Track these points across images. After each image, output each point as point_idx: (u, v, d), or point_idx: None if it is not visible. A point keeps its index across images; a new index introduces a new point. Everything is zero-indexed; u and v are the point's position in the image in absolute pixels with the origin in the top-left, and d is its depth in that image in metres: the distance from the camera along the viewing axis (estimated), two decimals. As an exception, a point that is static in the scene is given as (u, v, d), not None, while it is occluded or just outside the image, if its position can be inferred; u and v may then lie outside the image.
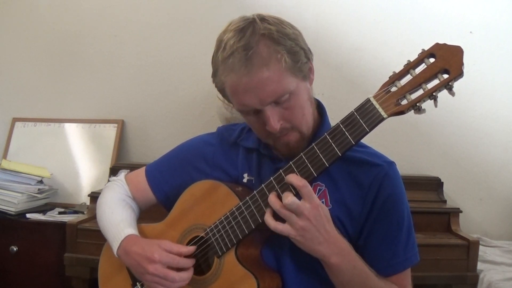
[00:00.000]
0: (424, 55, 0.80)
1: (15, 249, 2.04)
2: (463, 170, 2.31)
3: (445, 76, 0.78)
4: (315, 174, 0.86)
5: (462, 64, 0.77)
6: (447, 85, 0.78)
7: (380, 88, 0.83)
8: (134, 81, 2.49)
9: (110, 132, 2.44)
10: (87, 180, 2.39)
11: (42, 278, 2.04)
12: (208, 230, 0.98)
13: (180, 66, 2.44)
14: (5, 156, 2.46)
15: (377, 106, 0.81)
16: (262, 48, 0.86)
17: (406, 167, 2.29)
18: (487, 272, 1.81)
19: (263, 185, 0.91)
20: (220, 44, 0.90)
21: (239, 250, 0.95)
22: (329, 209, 0.90)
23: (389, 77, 0.83)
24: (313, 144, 0.87)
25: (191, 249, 0.99)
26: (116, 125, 2.45)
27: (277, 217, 0.87)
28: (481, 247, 1.90)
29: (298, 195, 0.86)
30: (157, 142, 2.45)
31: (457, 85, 0.78)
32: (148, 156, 2.38)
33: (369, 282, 0.92)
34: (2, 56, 2.61)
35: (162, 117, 2.47)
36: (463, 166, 2.31)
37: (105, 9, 2.50)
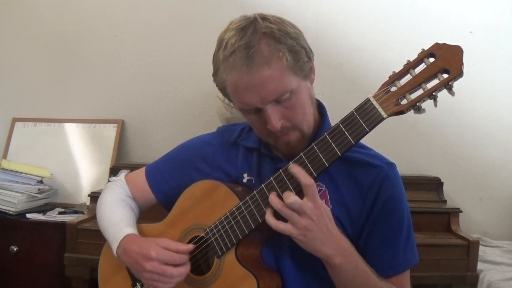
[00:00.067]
0: (424, 55, 0.80)
1: (15, 249, 2.04)
2: (463, 170, 2.31)
3: (445, 76, 0.78)
4: (315, 174, 0.86)
5: (462, 64, 0.77)
6: (447, 85, 0.78)
7: (380, 88, 0.83)
8: (134, 81, 2.49)
9: (110, 132, 2.44)
10: (87, 180, 2.39)
11: (42, 278, 2.04)
12: (208, 230, 0.98)
13: (180, 66, 2.44)
14: (5, 156, 2.46)
15: (377, 106, 0.81)
16: (263, 47, 0.86)
17: (406, 167, 2.29)
18: (487, 272, 1.81)
19: (263, 185, 0.91)
20: (221, 43, 0.90)
21: (239, 250, 0.95)
22: None
23: (389, 77, 0.83)
24: (313, 144, 0.87)
25: (189, 247, 0.99)
26: (116, 125, 2.45)
27: (277, 217, 0.87)
28: (481, 247, 1.90)
29: (297, 195, 0.85)
30: (157, 142, 2.45)
31: (457, 85, 0.78)
32: (148, 156, 2.38)
33: (370, 282, 0.92)
34: (2, 56, 2.61)
35: (162, 117, 2.47)
36: (463, 166, 2.31)
37: (105, 9, 2.50)
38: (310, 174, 0.86)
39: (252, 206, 0.92)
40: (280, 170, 0.89)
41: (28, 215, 2.10)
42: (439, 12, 2.29)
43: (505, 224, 2.29)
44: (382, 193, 0.95)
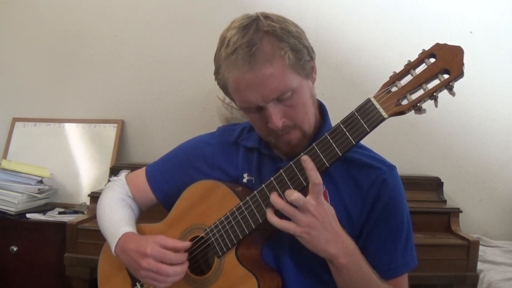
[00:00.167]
0: (425, 55, 0.80)
1: (15, 249, 2.04)
2: (463, 170, 2.31)
3: (446, 76, 0.78)
4: (315, 174, 0.86)
5: (463, 64, 0.77)
6: (448, 85, 0.78)
7: (381, 88, 0.83)
8: (134, 81, 2.49)
9: (110, 132, 2.44)
10: (87, 180, 2.39)
11: (42, 278, 2.04)
12: (208, 230, 0.98)
13: (180, 66, 2.44)
14: (5, 156, 2.46)
15: (378, 106, 0.81)
16: (265, 45, 0.86)
17: (406, 167, 2.29)
18: (487, 272, 1.81)
19: (263, 185, 0.91)
20: (223, 41, 0.90)
21: (239, 250, 0.95)
22: None
23: (390, 77, 0.83)
24: (313, 144, 0.87)
25: (186, 244, 0.99)
26: (116, 125, 2.45)
27: (279, 217, 0.87)
28: (481, 247, 1.90)
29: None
30: (157, 142, 2.45)
31: (457, 85, 0.79)
32: (148, 156, 2.38)
33: (372, 284, 0.91)
34: (2, 56, 2.61)
35: (162, 117, 2.47)
36: (463, 166, 2.31)
37: (105, 9, 2.50)
38: (311, 174, 0.85)
39: (253, 206, 0.92)
40: (281, 170, 0.89)
41: (28, 215, 2.10)
42: (439, 12, 2.29)
43: (505, 224, 2.29)
44: (382, 196, 0.95)
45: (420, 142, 2.33)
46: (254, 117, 0.95)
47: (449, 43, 0.79)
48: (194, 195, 1.04)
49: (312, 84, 0.96)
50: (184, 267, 0.97)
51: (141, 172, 1.18)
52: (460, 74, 0.77)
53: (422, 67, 0.80)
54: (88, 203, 2.15)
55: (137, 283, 1.07)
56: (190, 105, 2.44)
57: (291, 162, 0.88)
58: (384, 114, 0.81)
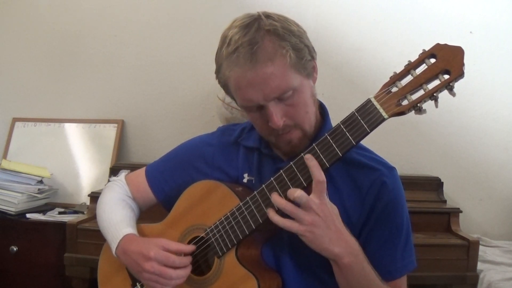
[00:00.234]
0: (425, 56, 0.80)
1: (15, 249, 2.04)
2: (463, 170, 2.31)
3: (446, 76, 0.78)
4: (315, 174, 0.86)
5: (463, 64, 0.77)
6: (448, 86, 0.78)
7: (381, 89, 0.83)
8: (134, 81, 2.49)
9: (110, 132, 2.44)
10: (87, 180, 2.39)
11: (42, 278, 2.04)
12: (208, 230, 0.98)
13: (180, 66, 2.44)
14: (5, 156, 2.46)
15: (378, 106, 0.81)
16: (267, 44, 0.86)
17: (406, 167, 2.29)
18: (487, 272, 1.81)
19: (263, 185, 0.91)
20: (224, 39, 0.90)
21: (239, 251, 0.95)
22: None
23: (390, 78, 0.83)
24: (313, 144, 0.87)
25: (190, 247, 0.99)
26: (116, 125, 2.45)
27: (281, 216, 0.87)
28: (481, 247, 1.90)
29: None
30: (157, 142, 2.45)
31: (457, 85, 0.79)
32: (148, 156, 2.38)
33: (374, 285, 0.91)
34: (2, 56, 2.61)
35: (162, 117, 2.47)
36: (463, 166, 2.31)
37: (105, 9, 2.50)
38: (311, 175, 0.85)
39: (253, 207, 0.91)
40: (281, 171, 0.89)
41: (28, 215, 2.10)
42: (439, 12, 2.29)
43: (505, 224, 2.29)
44: (381, 197, 0.95)
45: (420, 142, 2.33)
46: (254, 116, 0.94)
47: (449, 43, 0.79)
48: (194, 195, 1.04)
49: (313, 84, 0.96)
50: (188, 271, 0.97)
51: (141, 172, 1.18)
52: (460, 75, 0.77)
53: (423, 67, 0.80)
54: (88, 203, 2.15)
55: (137, 283, 1.07)
56: (190, 105, 2.44)
57: (291, 163, 0.88)
58: (384, 114, 0.81)
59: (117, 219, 1.08)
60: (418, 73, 0.81)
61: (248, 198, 0.93)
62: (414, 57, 0.82)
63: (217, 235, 0.96)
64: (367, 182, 0.96)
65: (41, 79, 2.57)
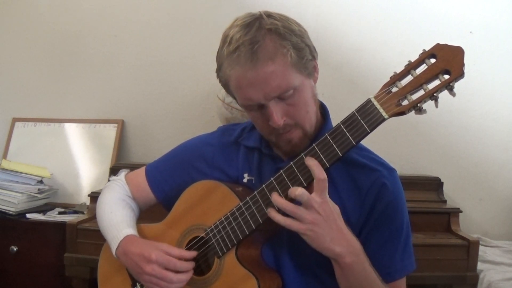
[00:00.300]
0: (425, 56, 0.80)
1: (15, 249, 2.04)
2: (463, 170, 2.31)
3: (446, 76, 0.78)
4: (315, 174, 0.86)
5: (463, 64, 0.77)
6: (448, 86, 0.78)
7: (381, 89, 0.83)
8: (134, 81, 2.49)
9: (110, 132, 2.44)
10: (87, 180, 2.39)
11: (42, 278, 2.03)
12: (208, 230, 0.98)
13: (180, 66, 2.44)
14: (5, 156, 2.46)
15: (378, 106, 0.81)
16: (268, 43, 0.86)
17: (406, 167, 2.29)
18: (487, 272, 1.81)
19: (263, 185, 0.91)
20: (225, 38, 0.90)
21: (239, 251, 0.95)
22: None
23: (390, 78, 0.83)
24: (313, 144, 0.87)
25: (192, 253, 0.99)
26: (116, 125, 2.45)
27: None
28: (481, 247, 1.90)
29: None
30: (157, 142, 2.45)
31: (457, 85, 0.79)
32: (148, 156, 2.38)
33: (374, 286, 0.90)
34: (2, 56, 2.61)
35: (162, 117, 2.47)
36: (463, 166, 2.31)
37: (105, 9, 2.50)
38: (311, 175, 0.85)
39: (253, 207, 0.91)
40: (281, 171, 0.89)
41: (28, 215, 2.10)
42: (439, 12, 2.29)
43: (505, 224, 2.29)
44: (381, 198, 0.95)
45: (420, 142, 2.33)
46: (255, 115, 0.94)
47: (449, 43, 0.79)
48: (194, 195, 1.03)
49: (314, 84, 0.96)
50: (189, 275, 0.97)
51: (141, 171, 1.18)
52: (460, 75, 0.77)
53: (423, 67, 0.80)
54: (88, 203, 2.14)
55: (137, 284, 1.07)
56: (190, 105, 2.44)
57: (291, 163, 0.88)
58: (384, 114, 0.81)
59: (117, 219, 1.08)
60: (418, 73, 0.81)
61: (248, 198, 0.92)
62: (414, 57, 0.82)
63: (217, 235, 0.96)
64: (367, 183, 0.96)
65: (41, 79, 2.57)
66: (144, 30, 2.47)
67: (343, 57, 2.34)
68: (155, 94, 2.47)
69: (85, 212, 2.09)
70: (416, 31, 2.27)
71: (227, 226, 0.95)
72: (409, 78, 0.81)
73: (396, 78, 0.82)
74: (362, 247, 0.90)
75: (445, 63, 0.78)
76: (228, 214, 0.95)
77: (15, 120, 2.54)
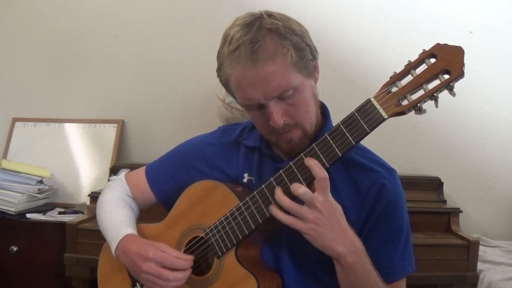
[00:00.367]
0: (425, 56, 0.80)
1: (15, 249, 2.04)
2: (463, 170, 2.31)
3: (446, 76, 0.78)
4: (315, 174, 0.86)
5: (463, 64, 0.77)
6: (448, 86, 0.78)
7: (381, 89, 0.83)
8: (134, 81, 2.49)
9: (110, 132, 2.44)
10: (87, 180, 2.39)
11: (42, 278, 2.03)
12: (208, 230, 0.98)
13: (180, 66, 2.44)
14: (5, 156, 2.46)
15: (378, 106, 0.81)
16: (268, 42, 0.86)
17: (406, 167, 2.29)
18: (487, 272, 1.81)
19: (263, 186, 0.91)
20: (226, 38, 0.90)
21: (239, 251, 0.95)
22: None
23: (390, 78, 0.83)
24: (313, 144, 0.87)
25: (189, 257, 0.98)
26: (116, 125, 2.45)
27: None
28: (481, 247, 1.90)
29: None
30: (157, 142, 2.45)
31: (457, 85, 0.79)
32: (148, 156, 2.38)
33: (375, 286, 0.90)
34: (2, 56, 2.61)
35: (162, 117, 2.47)
36: (463, 166, 2.31)
37: (105, 9, 2.50)
38: (311, 175, 0.85)
39: (253, 207, 0.91)
40: (281, 171, 0.89)
41: (28, 215, 2.10)
42: (439, 12, 2.29)
43: (505, 224, 2.29)
44: (381, 199, 0.95)
45: (420, 142, 2.33)
46: (255, 115, 0.94)
47: (449, 43, 0.79)
48: (194, 195, 1.03)
49: (314, 84, 0.96)
50: (186, 274, 0.97)
51: (141, 171, 1.18)
52: (460, 75, 0.77)
53: (423, 67, 0.80)
54: (88, 203, 2.14)
55: (137, 283, 1.07)
56: (190, 105, 2.44)
57: (290, 163, 0.88)
58: (384, 114, 0.81)
59: (117, 219, 1.08)
60: (418, 73, 0.81)
61: (247, 198, 0.92)
62: (414, 57, 0.82)
63: (217, 235, 0.96)
64: (367, 183, 0.96)
65: (41, 79, 2.57)
66: (144, 30, 2.47)
67: (343, 57, 2.34)
68: (155, 94, 2.47)
69: (85, 212, 2.09)
70: (416, 31, 2.27)
71: (226, 226, 0.95)
72: (409, 78, 0.81)
73: (396, 78, 0.82)
74: (364, 247, 0.89)
75: (445, 63, 0.78)
76: (228, 214, 0.95)
77: (15, 120, 2.54)
